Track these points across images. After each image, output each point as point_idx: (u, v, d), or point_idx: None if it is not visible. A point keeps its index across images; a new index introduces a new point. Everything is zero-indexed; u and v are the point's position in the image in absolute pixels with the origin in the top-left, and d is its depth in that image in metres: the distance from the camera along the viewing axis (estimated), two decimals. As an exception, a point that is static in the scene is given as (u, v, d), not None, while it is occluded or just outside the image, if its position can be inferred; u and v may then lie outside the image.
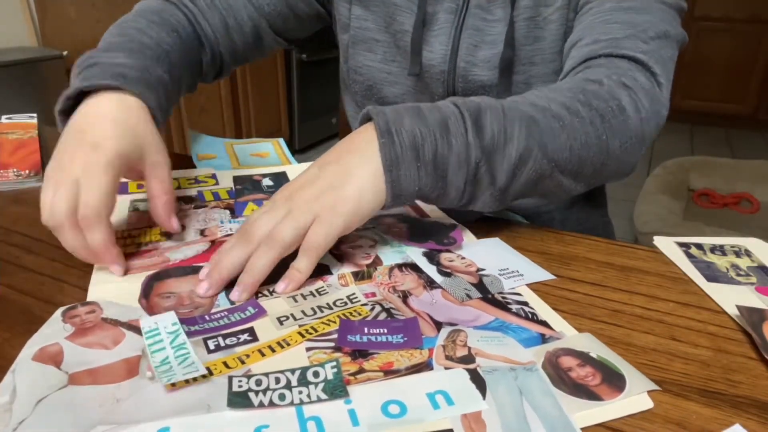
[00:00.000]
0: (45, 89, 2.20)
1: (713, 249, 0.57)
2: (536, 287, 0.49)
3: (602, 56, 0.58)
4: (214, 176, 0.71)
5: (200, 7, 0.73)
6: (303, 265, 0.47)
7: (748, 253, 0.56)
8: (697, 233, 2.03)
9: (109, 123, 0.52)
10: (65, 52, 2.29)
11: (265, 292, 0.47)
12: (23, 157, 0.74)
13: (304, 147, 3.28)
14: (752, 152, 3.34)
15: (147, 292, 0.47)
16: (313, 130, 3.33)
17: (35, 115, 0.87)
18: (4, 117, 0.85)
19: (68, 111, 0.56)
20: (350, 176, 0.47)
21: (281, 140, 0.83)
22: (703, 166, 2.69)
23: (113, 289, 0.47)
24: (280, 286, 0.47)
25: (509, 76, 0.69)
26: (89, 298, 0.46)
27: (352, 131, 0.52)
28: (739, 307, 0.45)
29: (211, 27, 0.74)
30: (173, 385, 0.37)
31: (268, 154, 0.79)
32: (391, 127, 0.47)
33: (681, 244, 0.57)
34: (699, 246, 0.57)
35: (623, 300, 0.48)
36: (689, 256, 0.55)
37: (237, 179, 0.69)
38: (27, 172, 0.71)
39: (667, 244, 0.57)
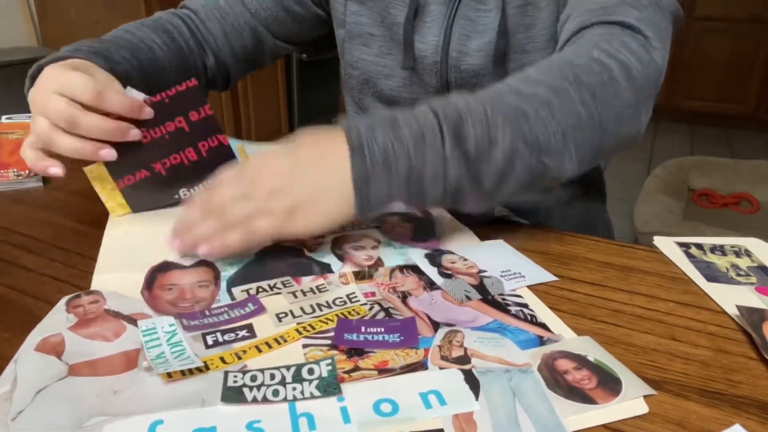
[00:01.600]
0: (45, 89, 2.20)
1: (713, 249, 0.57)
2: (536, 287, 0.49)
3: (594, 24, 0.57)
4: None
5: (201, 17, 0.77)
6: (234, 239, 0.48)
7: (748, 253, 0.56)
8: (697, 233, 2.02)
9: (61, 64, 0.56)
10: (65, 52, 2.29)
11: (266, 287, 0.48)
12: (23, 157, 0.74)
13: (304, 147, 3.27)
14: (752, 152, 3.33)
15: (150, 283, 0.48)
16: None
17: (35, 115, 0.87)
18: (4, 117, 0.85)
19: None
20: (318, 190, 0.47)
21: None
22: (703, 166, 2.68)
23: (117, 279, 0.48)
24: (202, 249, 0.48)
25: (503, 65, 0.69)
26: (93, 287, 0.47)
27: None
28: (739, 307, 0.45)
29: (213, 35, 0.78)
30: (169, 376, 0.37)
31: None
32: (363, 141, 0.46)
33: (681, 244, 0.57)
34: (699, 246, 0.57)
35: (623, 300, 0.48)
36: (689, 256, 0.55)
37: None
38: (27, 172, 0.71)
39: (667, 244, 0.57)
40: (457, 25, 0.69)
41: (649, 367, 0.40)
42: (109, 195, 0.60)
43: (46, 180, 0.71)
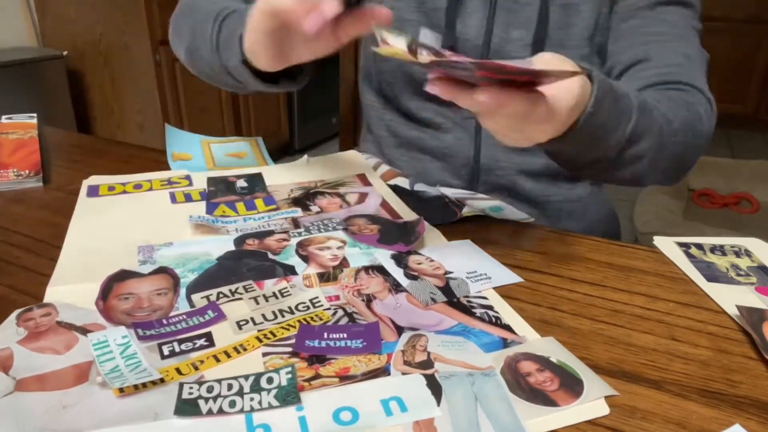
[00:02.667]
0: (45, 89, 2.20)
1: (713, 249, 0.57)
2: (537, 288, 0.49)
3: (681, 83, 0.69)
4: (188, 177, 0.70)
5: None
6: (484, 96, 0.43)
7: (748, 253, 0.56)
8: (697, 233, 2.02)
9: None
10: (65, 52, 2.29)
11: (227, 293, 0.47)
12: (23, 157, 0.74)
13: (304, 147, 3.27)
14: (752, 152, 3.33)
15: (105, 293, 0.47)
16: (313, 130, 3.32)
17: (35, 115, 0.88)
18: (4, 117, 0.85)
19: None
20: None
21: (260, 139, 0.83)
22: (703, 166, 2.68)
23: (72, 290, 0.47)
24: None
25: None
26: (46, 299, 0.46)
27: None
28: (739, 307, 0.45)
29: None
30: (121, 390, 0.36)
31: (245, 154, 0.78)
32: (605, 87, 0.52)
33: (681, 244, 0.57)
34: (699, 246, 0.57)
35: (623, 300, 0.48)
36: (689, 256, 0.55)
37: (211, 180, 0.69)
38: (27, 172, 0.71)
39: (667, 244, 0.57)
40: (498, 13, 0.74)
41: (649, 367, 0.40)
42: None
43: (46, 180, 0.71)
